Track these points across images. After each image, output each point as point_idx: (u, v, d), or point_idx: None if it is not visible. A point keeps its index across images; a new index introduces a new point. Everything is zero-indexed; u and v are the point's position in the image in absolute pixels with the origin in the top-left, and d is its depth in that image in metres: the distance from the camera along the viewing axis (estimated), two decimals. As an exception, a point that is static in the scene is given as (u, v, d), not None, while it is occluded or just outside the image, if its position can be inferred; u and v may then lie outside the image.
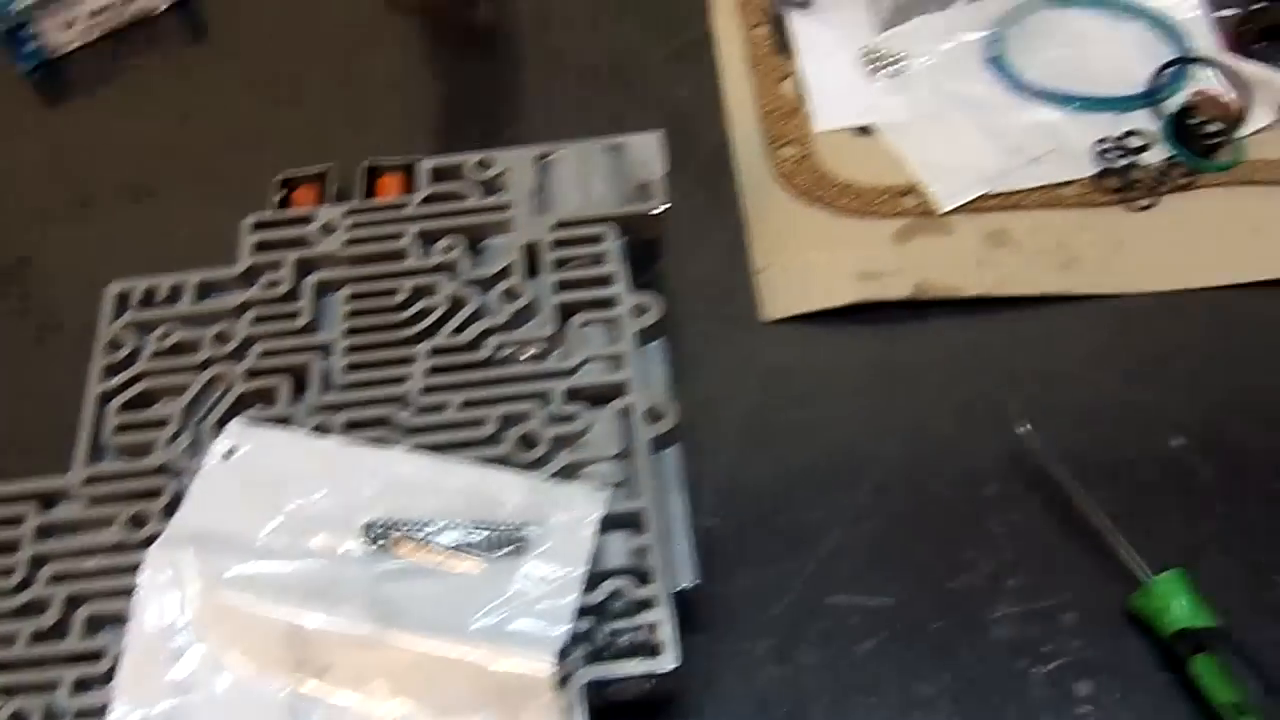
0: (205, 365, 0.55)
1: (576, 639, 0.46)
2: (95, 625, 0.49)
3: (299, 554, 0.48)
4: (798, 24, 0.75)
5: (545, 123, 0.72)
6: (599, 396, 0.52)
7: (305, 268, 0.57)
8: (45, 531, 0.51)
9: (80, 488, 0.52)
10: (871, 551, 0.54)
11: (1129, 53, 0.71)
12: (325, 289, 0.57)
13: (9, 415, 0.62)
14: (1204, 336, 0.60)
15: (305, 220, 0.58)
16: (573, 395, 0.52)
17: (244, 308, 0.56)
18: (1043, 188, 0.66)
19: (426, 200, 0.59)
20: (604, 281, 0.55)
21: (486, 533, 0.48)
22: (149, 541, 0.49)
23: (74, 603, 0.49)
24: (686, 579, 0.49)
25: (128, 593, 0.48)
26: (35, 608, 0.49)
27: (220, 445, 0.51)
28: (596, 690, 0.45)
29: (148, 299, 0.57)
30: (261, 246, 0.58)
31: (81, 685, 0.47)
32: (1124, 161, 0.66)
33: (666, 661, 0.46)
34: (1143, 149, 0.66)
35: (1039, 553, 0.53)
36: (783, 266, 0.63)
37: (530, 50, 0.78)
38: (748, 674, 0.51)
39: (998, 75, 0.71)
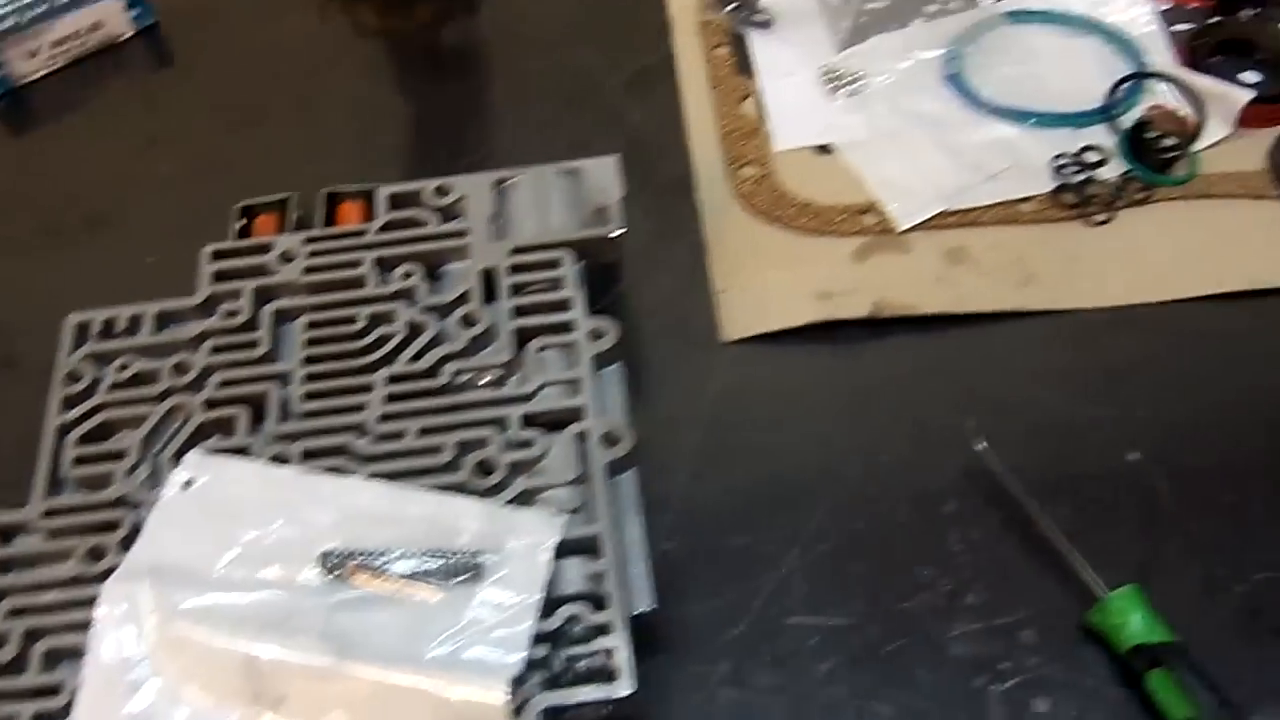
0: (164, 396, 0.55)
1: (533, 665, 0.46)
2: (53, 659, 0.49)
3: (256, 585, 0.48)
4: (758, 44, 0.75)
5: (511, 145, 0.73)
6: (556, 422, 0.52)
7: (264, 296, 0.57)
8: (3, 565, 0.51)
9: (39, 521, 0.52)
10: (829, 571, 0.54)
11: (1085, 68, 0.72)
12: (284, 317, 0.57)
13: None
14: (1160, 351, 0.61)
15: (264, 249, 0.59)
16: (529, 421, 0.53)
17: (203, 337, 0.56)
18: (1001, 204, 0.66)
19: (385, 227, 0.59)
20: (560, 306, 0.56)
21: (442, 560, 0.48)
22: (107, 574, 0.49)
23: (32, 636, 0.49)
24: (643, 603, 0.49)
25: (86, 626, 0.48)
26: (-7, 642, 0.49)
27: (178, 476, 0.52)
28: (553, 716, 0.45)
29: (107, 330, 0.57)
30: (220, 276, 0.58)
31: (40, 719, 0.47)
32: (1081, 177, 0.66)
33: (622, 687, 0.46)
34: (1099, 164, 0.67)
35: (997, 570, 0.54)
36: (742, 287, 0.64)
37: (495, 73, 0.78)
38: (705, 697, 0.51)
39: (955, 93, 0.71)
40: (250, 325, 0.57)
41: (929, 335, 0.62)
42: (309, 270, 0.58)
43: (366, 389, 0.54)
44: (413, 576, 0.48)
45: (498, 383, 0.54)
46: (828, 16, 0.76)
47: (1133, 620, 0.50)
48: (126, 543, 0.50)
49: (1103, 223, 0.65)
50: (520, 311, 0.56)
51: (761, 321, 0.62)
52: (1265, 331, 0.61)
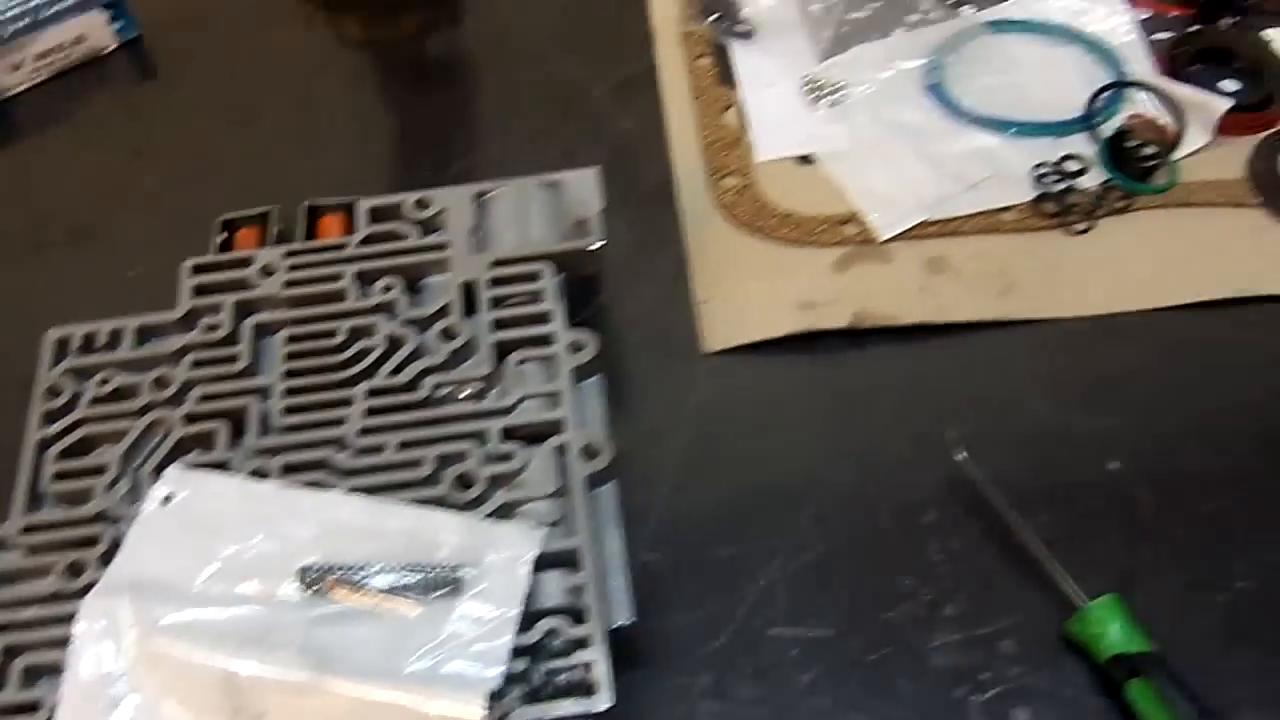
0: (144, 411, 0.55)
1: (512, 679, 0.46)
2: (33, 676, 0.48)
3: (235, 600, 0.48)
4: (740, 54, 0.75)
5: (495, 155, 0.73)
6: (535, 435, 0.52)
7: (244, 310, 0.57)
8: (-17, 583, 0.51)
9: (18, 537, 0.52)
10: (810, 582, 0.54)
11: (1066, 78, 0.72)
12: (264, 331, 0.57)
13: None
14: (1141, 360, 0.61)
15: (245, 263, 0.59)
16: (509, 434, 0.53)
17: (183, 352, 0.56)
18: (981, 214, 0.66)
19: (365, 240, 0.59)
20: (540, 319, 0.56)
21: (422, 574, 0.48)
22: (86, 590, 0.48)
23: (11, 653, 0.49)
24: (623, 616, 0.49)
25: (65, 642, 0.47)
26: (-28, 660, 0.49)
27: (158, 491, 0.51)
28: (532, 730, 0.45)
29: (87, 345, 0.57)
30: (201, 290, 0.58)
31: (19, 735, 0.47)
32: (1061, 186, 0.67)
33: (601, 701, 0.46)
34: (1080, 173, 0.67)
35: (978, 580, 0.54)
36: (723, 298, 0.64)
37: (479, 84, 0.78)
38: (686, 710, 0.51)
39: (936, 102, 0.71)
40: (231, 339, 0.56)
41: (910, 345, 0.62)
42: (289, 284, 0.58)
43: (346, 403, 0.54)
44: (392, 591, 0.48)
45: (478, 396, 0.54)
46: (809, 27, 0.76)
47: (1111, 630, 0.50)
48: (106, 558, 0.50)
49: (1083, 231, 0.65)
50: (500, 324, 0.56)
51: (743, 332, 0.62)
52: (1246, 340, 0.61)
